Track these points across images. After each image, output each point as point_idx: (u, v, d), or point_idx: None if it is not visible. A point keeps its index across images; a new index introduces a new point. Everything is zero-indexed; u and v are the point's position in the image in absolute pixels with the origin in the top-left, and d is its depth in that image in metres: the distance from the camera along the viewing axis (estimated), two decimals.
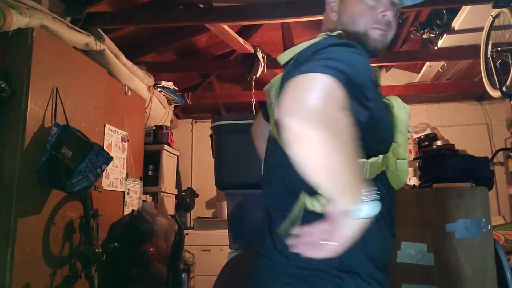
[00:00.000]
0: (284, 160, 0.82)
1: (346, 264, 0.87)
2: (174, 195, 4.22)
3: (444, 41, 3.39)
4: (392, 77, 5.14)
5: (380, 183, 0.93)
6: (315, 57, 0.77)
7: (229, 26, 3.25)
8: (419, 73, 4.43)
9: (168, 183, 4.01)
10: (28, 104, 2.09)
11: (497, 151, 3.52)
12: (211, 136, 2.20)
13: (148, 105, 3.69)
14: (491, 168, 4.05)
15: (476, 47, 3.12)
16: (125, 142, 3.14)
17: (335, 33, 0.94)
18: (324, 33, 0.96)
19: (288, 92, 0.66)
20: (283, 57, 0.94)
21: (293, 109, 0.64)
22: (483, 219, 1.74)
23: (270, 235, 0.95)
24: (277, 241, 0.92)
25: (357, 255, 0.88)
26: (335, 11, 1.04)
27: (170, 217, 2.97)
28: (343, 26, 1.01)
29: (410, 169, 3.64)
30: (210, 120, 2.21)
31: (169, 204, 4.04)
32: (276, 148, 0.95)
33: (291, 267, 0.88)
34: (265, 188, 1.03)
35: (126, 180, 3.17)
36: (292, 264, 0.87)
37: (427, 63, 4.03)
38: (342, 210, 0.71)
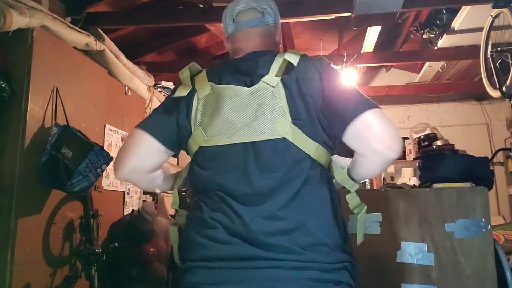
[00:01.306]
0: (304, 155, 1.00)
1: (350, 250, 1.02)
2: None
3: (444, 41, 3.39)
4: (392, 77, 5.15)
5: None
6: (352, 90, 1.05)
7: None
8: (419, 73, 4.44)
9: None
10: (28, 104, 2.09)
11: (496, 151, 3.52)
12: None
13: (148, 105, 3.69)
14: (491, 168, 4.05)
15: (476, 47, 3.12)
16: None
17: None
18: (300, 52, 1.12)
19: (380, 129, 0.99)
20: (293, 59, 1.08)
21: (396, 149, 0.99)
22: (483, 219, 1.75)
23: (288, 236, 0.94)
24: (308, 245, 0.94)
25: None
26: (279, 35, 1.27)
27: (170, 217, 2.97)
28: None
29: (410, 169, 3.65)
30: None
31: (169, 204, 4.03)
32: (292, 146, 1.00)
33: (326, 263, 0.94)
34: (278, 188, 0.98)
35: None
36: (324, 260, 0.94)
37: (427, 63, 4.03)
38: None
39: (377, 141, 0.98)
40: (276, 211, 0.96)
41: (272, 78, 1.04)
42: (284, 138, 0.99)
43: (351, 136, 1.00)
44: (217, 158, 1.04)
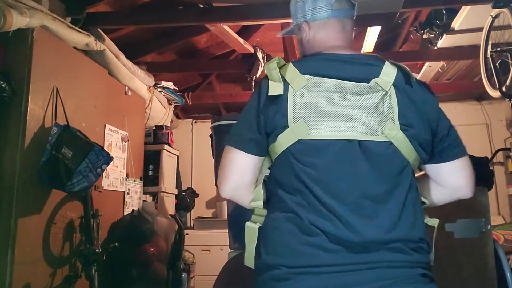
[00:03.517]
0: (406, 163, 1.01)
1: None
2: (174, 195, 4.22)
3: (444, 41, 3.39)
4: None
5: None
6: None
7: (229, 26, 3.25)
8: (419, 73, 4.43)
9: (168, 183, 4.01)
10: (28, 104, 2.09)
11: (496, 151, 3.52)
12: (211, 136, 2.20)
13: (148, 105, 3.69)
14: (491, 168, 4.06)
15: (476, 47, 3.12)
16: (125, 142, 3.15)
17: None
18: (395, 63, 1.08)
19: (470, 172, 1.14)
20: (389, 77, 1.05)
21: (473, 188, 1.15)
22: (483, 219, 1.75)
23: (400, 242, 0.95)
24: (415, 248, 0.97)
25: None
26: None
27: (170, 217, 2.98)
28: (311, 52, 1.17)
29: None
30: (210, 120, 2.21)
31: (169, 204, 4.04)
32: (397, 151, 1.00)
33: (426, 263, 1.00)
34: (376, 198, 0.97)
35: (126, 180, 3.17)
36: (424, 260, 1.00)
37: (427, 63, 4.03)
38: None
39: (466, 183, 1.13)
40: (390, 220, 0.95)
41: (385, 82, 1.02)
42: (391, 143, 0.99)
43: (447, 169, 1.09)
44: (320, 153, 0.98)
